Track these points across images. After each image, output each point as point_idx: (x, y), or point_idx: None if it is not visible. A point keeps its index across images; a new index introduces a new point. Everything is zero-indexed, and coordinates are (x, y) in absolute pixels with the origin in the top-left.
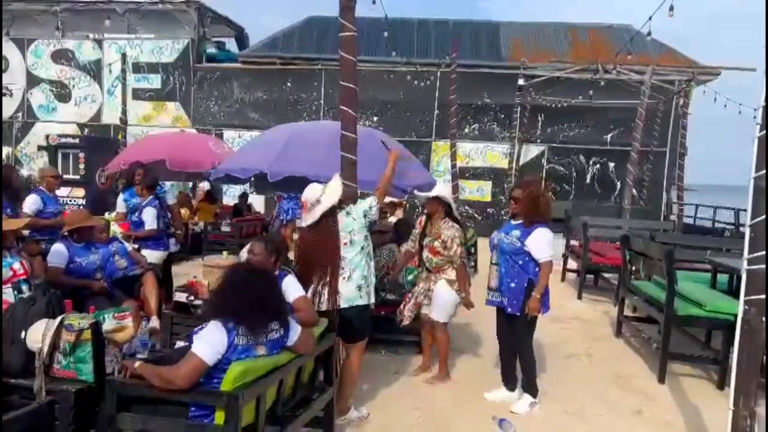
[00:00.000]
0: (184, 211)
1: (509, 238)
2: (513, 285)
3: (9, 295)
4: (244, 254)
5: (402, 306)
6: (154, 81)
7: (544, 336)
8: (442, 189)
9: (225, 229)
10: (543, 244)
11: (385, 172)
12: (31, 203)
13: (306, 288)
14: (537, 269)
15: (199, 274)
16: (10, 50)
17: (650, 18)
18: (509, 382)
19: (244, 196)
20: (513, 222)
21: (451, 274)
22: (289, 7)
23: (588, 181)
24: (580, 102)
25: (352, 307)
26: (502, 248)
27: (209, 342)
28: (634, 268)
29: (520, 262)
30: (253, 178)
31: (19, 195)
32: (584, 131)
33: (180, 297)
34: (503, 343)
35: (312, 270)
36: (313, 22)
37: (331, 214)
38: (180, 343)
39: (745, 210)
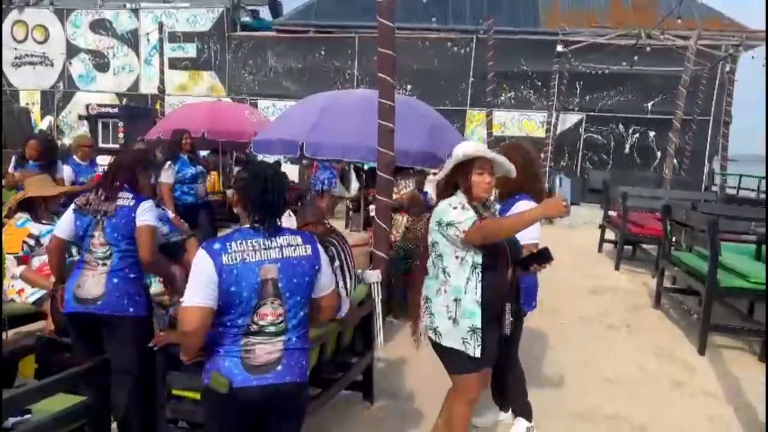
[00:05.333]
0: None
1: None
2: None
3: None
4: (284, 221)
5: None
6: (190, 50)
7: (582, 307)
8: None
9: None
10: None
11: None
12: (65, 176)
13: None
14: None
15: None
16: (51, 20)
17: None
18: (501, 401)
19: (277, 165)
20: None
21: None
22: None
23: (627, 150)
24: (620, 69)
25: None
26: None
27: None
28: (674, 239)
29: None
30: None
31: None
32: (624, 99)
33: None
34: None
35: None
36: None
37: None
38: None
39: None
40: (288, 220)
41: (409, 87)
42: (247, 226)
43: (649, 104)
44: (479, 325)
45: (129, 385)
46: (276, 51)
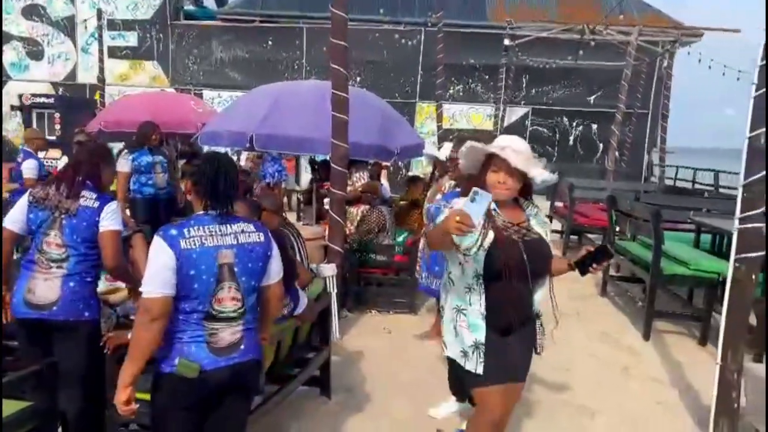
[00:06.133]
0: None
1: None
2: None
3: None
4: None
5: (418, 267)
6: (131, 39)
7: None
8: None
9: None
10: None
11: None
12: (32, 167)
13: None
14: None
15: None
16: None
17: None
18: (458, 391)
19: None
20: (458, 189)
21: None
22: None
23: (571, 143)
24: (564, 63)
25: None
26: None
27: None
28: (619, 229)
29: None
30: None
31: None
32: (568, 93)
33: None
34: None
35: None
36: None
37: None
38: None
39: (725, 172)
40: None
41: (358, 79)
42: (202, 213)
43: (592, 98)
44: (483, 340)
45: (78, 389)
46: (221, 40)
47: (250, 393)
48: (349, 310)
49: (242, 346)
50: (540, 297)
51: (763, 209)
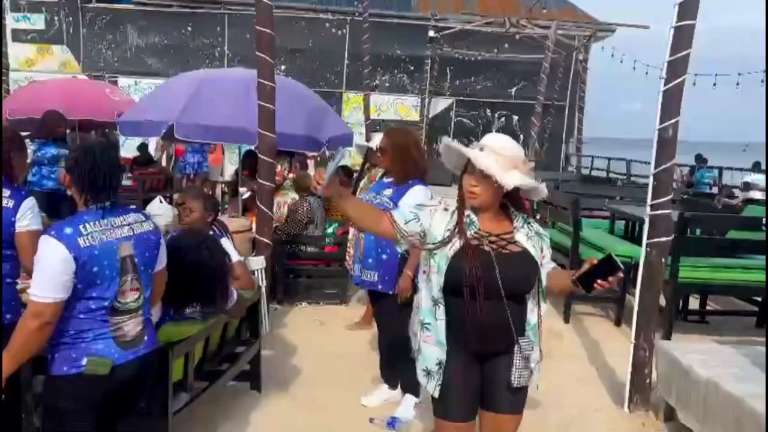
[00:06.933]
0: None
1: (379, 198)
2: (384, 257)
3: None
4: (155, 208)
5: (348, 259)
6: (37, 21)
7: None
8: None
9: (126, 182)
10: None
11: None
12: None
13: None
14: None
15: None
16: None
17: None
18: (389, 378)
19: (144, 147)
20: (385, 180)
21: None
22: None
23: (494, 133)
24: (487, 56)
25: None
26: None
27: None
28: (539, 216)
29: None
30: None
31: None
32: (491, 85)
33: None
34: (380, 331)
35: None
36: None
37: None
38: None
39: (636, 161)
40: (160, 206)
41: (283, 68)
42: (94, 207)
43: (513, 90)
44: (444, 360)
45: None
46: (137, 25)
47: (161, 383)
48: (279, 303)
49: (146, 338)
50: (530, 319)
51: (671, 196)
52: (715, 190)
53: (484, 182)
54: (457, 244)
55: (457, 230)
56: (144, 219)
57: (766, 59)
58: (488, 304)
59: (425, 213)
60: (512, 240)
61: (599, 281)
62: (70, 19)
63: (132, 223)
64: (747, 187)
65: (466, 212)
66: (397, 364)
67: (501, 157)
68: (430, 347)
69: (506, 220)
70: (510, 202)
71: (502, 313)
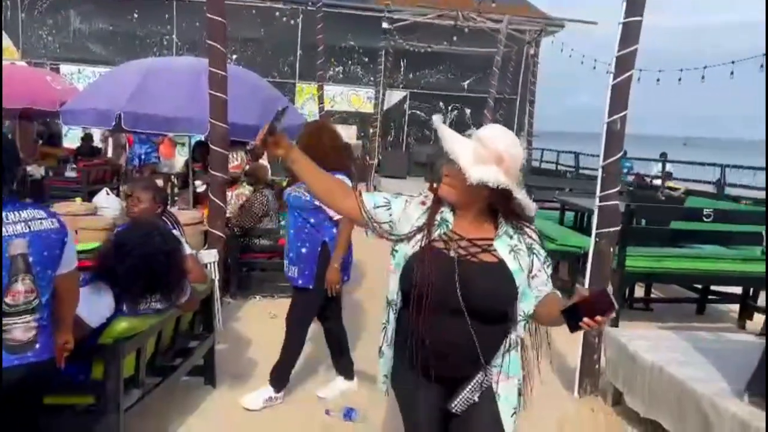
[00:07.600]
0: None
1: (299, 190)
2: (304, 250)
3: None
4: (101, 201)
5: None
6: None
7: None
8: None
9: (70, 174)
10: None
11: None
12: None
13: None
14: (335, 231)
15: None
16: None
17: None
18: (344, 371)
19: (88, 138)
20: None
21: None
22: None
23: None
24: (440, 48)
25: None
26: (290, 203)
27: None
28: None
29: (312, 221)
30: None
31: None
32: (444, 77)
33: None
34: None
35: None
36: None
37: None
38: None
39: (584, 154)
40: (107, 198)
41: (234, 57)
42: None
43: (466, 83)
44: (390, 375)
45: None
46: (80, 11)
47: (41, 395)
48: (232, 297)
49: (37, 345)
50: (501, 344)
51: (618, 188)
52: (630, 178)
53: (458, 175)
54: (420, 243)
55: (425, 227)
56: (45, 216)
57: (765, 55)
58: (445, 319)
59: (398, 202)
60: (488, 248)
61: (585, 320)
62: (8, 2)
63: (29, 220)
64: (668, 176)
65: (443, 210)
66: (333, 347)
67: (484, 150)
68: (384, 353)
69: (490, 226)
70: (501, 210)
71: (464, 332)
